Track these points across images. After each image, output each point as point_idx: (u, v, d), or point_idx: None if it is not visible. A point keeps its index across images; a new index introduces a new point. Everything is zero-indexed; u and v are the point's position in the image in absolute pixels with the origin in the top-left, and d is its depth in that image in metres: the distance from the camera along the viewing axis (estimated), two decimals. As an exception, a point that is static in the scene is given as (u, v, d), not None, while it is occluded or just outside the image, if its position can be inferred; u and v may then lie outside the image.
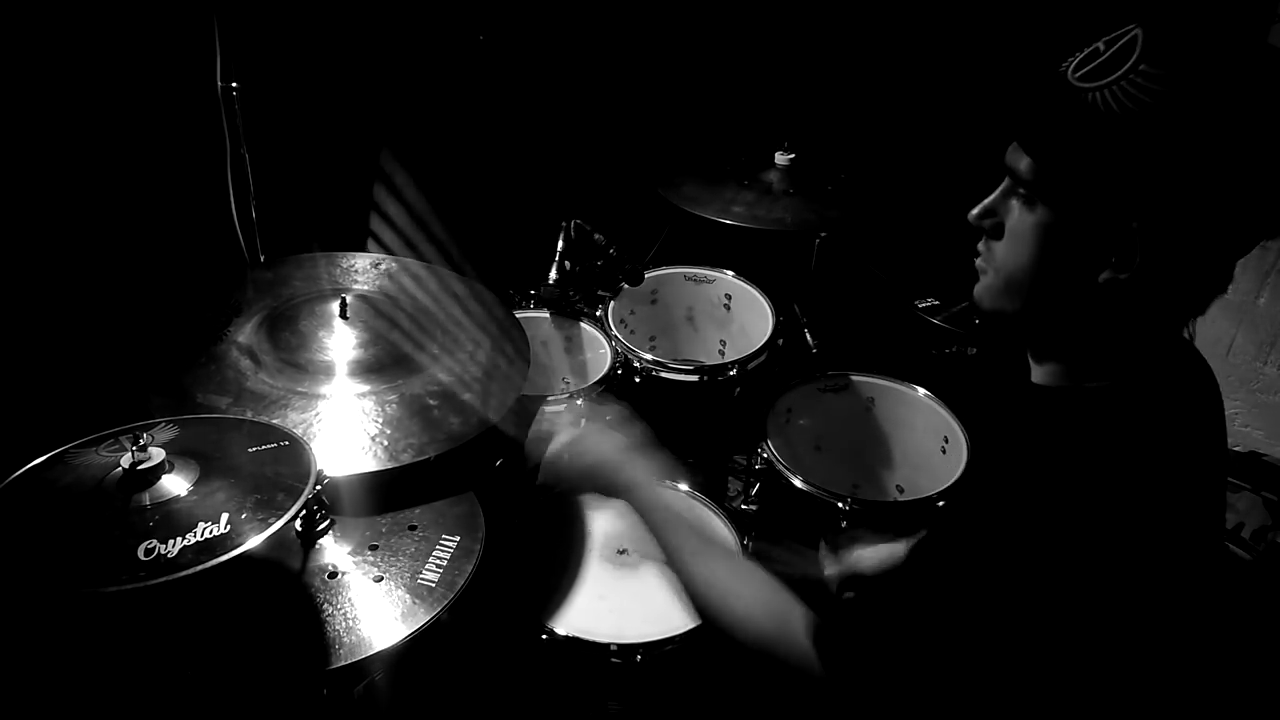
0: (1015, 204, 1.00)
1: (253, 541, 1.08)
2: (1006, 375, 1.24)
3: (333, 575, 1.38)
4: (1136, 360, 1.00)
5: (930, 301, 2.60)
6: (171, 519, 1.11)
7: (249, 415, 1.43)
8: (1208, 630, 1.07)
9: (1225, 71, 0.87)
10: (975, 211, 1.04)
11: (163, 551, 1.06)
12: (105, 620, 1.29)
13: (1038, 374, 1.09)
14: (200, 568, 1.04)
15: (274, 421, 1.38)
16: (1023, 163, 0.97)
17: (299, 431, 1.35)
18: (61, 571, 1.05)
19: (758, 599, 1.14)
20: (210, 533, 1.09)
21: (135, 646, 1.28)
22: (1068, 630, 0.95)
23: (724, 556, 1.28)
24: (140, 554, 1.05)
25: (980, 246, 1.06)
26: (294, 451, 1.25)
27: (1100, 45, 0.92)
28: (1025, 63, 1.04)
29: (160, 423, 1.26)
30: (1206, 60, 0.87)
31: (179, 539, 1.08)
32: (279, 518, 1.12)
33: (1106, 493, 0.92)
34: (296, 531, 1.44)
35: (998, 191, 1.03)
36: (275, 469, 1.22)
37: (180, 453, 1.20)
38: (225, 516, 1.12)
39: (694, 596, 1.20)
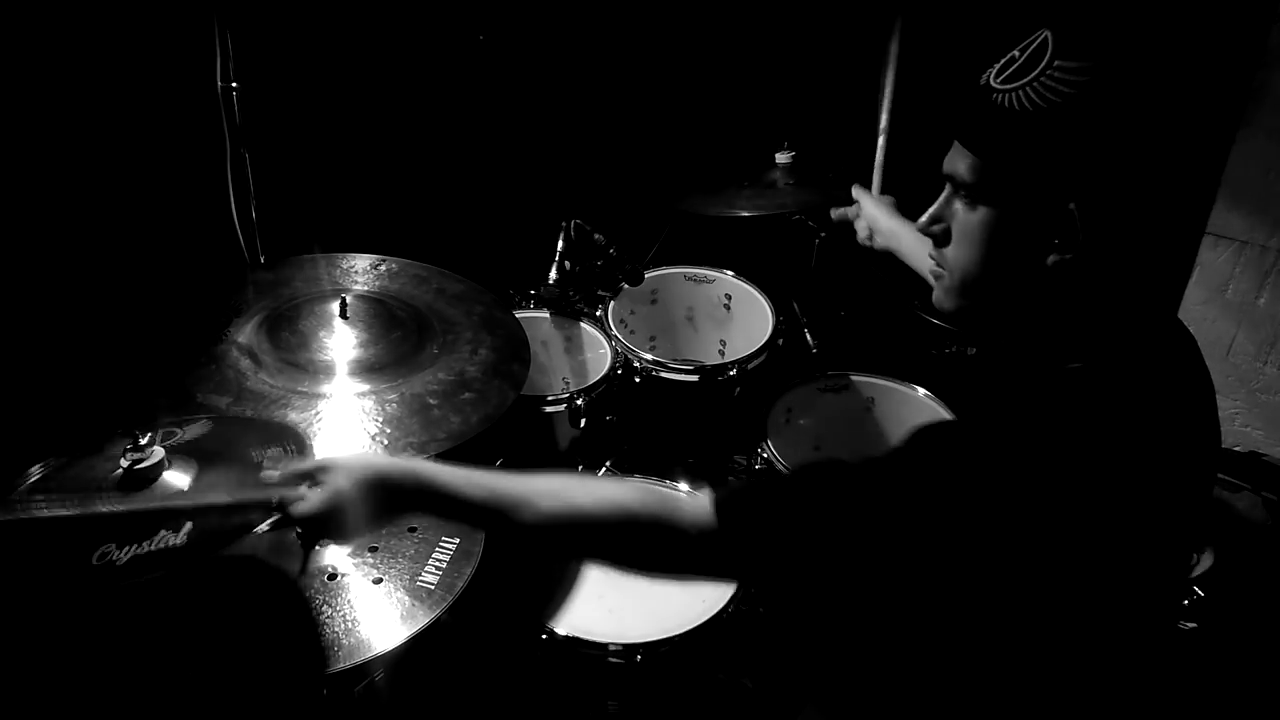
0: (959, 207, 1.06)
1: (199, 558, 1.04)
2: (1006, 373, 1.26)
3: (332, 577, 1.39)
4: (1112, 340, 1.04)
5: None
6: (139, 523, 1.08)
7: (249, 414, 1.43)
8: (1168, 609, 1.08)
9: (1129, 55, 0.95)
10: (923, 219, 1.11)
11: (114, 558, 1.02)
12: (86, 623, 1.29)
13: (1023, 362, 1.14)
14: (134, 581, 1.00)
15: (283, 422, 1.38)
16: (961, 166, 1.04)
17: (298, 430, 1.35)
18: (21, 573, 1.03)
19: (632, 495, 1.05)
20: (166, 543, 1.05)
21: (135, 647, 1.28)
22: (990, 577, 0.99)
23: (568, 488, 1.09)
24: (94, 559, 1.02)
25: (932, 253, 1.13)
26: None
27: (1015, 52, 1.01)
28: (955, 76, 1.11)
29: (197, 419, 1.25)
30: (1111, 48, 0.95)
31: (133, 546, 1.04)
32: (245, 531, 1.08)
33: (1072, 458, 0.95)
34: (296, 533, 1.44)
35: (940, 199, 1.09)
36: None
37: (185, 452, 1.20)
38: (189, 526, 1.07)
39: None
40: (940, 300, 1.14)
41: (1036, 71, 0.96)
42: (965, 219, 1.06)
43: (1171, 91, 0.96)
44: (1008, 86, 0.99)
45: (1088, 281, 1.02)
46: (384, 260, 1.91)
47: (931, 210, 1.10)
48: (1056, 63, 0.95)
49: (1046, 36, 0.98)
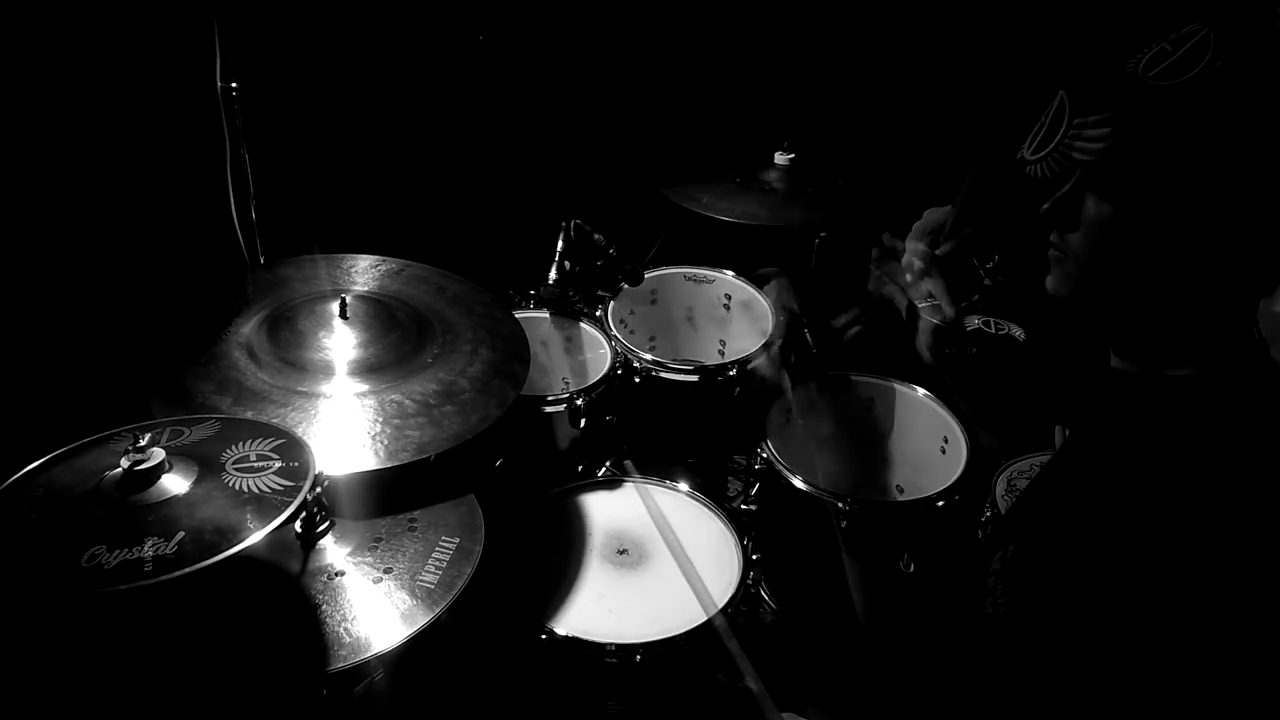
0: (1090, 195, 1.03)
1: (175, 573, 1.03)
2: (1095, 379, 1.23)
3: (337, 575, 1.39)
4: (1219, 349, 1.02)
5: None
6: (134, 525, 1.08)
7: (249, 415, 1.43)
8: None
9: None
10: (1049, 204, 1.07)
11: (103, 561, 1.02)
12: (92, 620, 1.29)
13: (1117, 360, 1.11)
14: (114, 589, 0.99)
15: (273, 422, 1.38)
16: (1098, 152, 1.00)
17: (298, 430, 1.35)
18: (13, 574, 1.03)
19: None
20: (155, 551, 1.05)
21: (135, 647, 1.28)
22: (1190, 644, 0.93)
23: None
24: (83, 560, 1.02)
25: (1054, 238, 1.09)
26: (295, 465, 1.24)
27: (1167, 45, 0.97)
28: (1073, 54, 1.08)
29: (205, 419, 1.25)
30: (1271, 55, 0.93)
31: (123, 551, 1.04)
32: (228, 548, 1.07)
33: (1222, 488, 0.93)
34: (296, 533, 1.44)
35: (1070, 183, 1.05)
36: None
37: (185, 455, 1.20)
38: (181, 535, 1.07)
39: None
40: (1058, 288, 1.10)
41: (1198, 69, 0.93)
42: (1097, 209, 1.02)
43: None
44: (1164, 82, 0.95)
45: (1213, 288, 1.00)
46: (390, 262, 1.90)
47: (1059, 194, 1.06)
48: (1219, 63, 0.93)
49: (1208, 34, 0.95)
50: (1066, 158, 0.95)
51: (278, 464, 1.22)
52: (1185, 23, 0.97)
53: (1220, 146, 0.94)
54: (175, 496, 1.14)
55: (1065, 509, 1.05)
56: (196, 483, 1.17)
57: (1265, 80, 0.92)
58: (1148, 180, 0.98)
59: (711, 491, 1.98)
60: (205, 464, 1.20)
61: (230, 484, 1.18)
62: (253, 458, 1.23)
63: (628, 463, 2.03)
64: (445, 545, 1.46)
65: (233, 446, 1.24)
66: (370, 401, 1.51)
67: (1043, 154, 0.98)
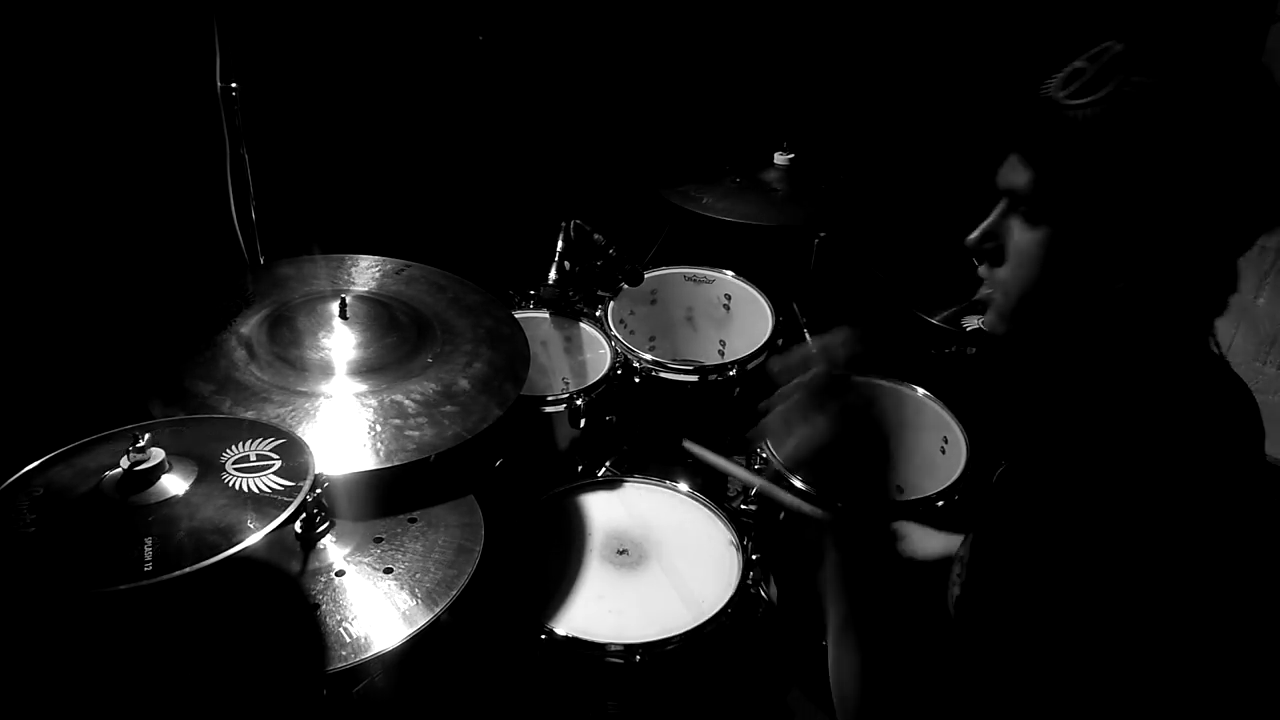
0: (1015, 223, 1.00)
1: (175, 572, 1.04)
2: (1009, 376, 1.23)
3: (337, 575, 1.39)
4: (1162, 371, 1.00)
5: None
6: (134, 525, 1.10)
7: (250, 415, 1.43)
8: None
9: (1209, 76, 0.90)
10: (974, 235, 1.04)
11: (104, 560, 1.05)
12: (91, 620, 1.29)
13: (1061, 388, 1.08)
14: (114, 589, 1.01)
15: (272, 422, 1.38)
16: (1022, 179, 0.97)
17: (298, 430, 1.35)
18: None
19: None
20: (154, 549, 1.06)
21: (135, 647, 1.28)
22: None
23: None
24: (84, 559, 1.03)
25: (983, 272, 1.06)
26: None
27: (1080, 64, 0.95)
28: (1016, 82, 1.04)
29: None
30: (1190, 67, 0.90)
31: (120, 551, 1.05)
32: (228, 548, 1.08)
33: (1141, 504, 0.92)
34: (296, 533, 1.44)
35: (995, 214, 1.02)
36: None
37: (184, 455, 1.20)
38: (150, 540, 1.08)
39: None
40: (993, 324, 1.07)
41: (1110, 87, 0.91)
42: (1022, 237, 0.99)
43: (1240, 116, 0.90)
44: (1077, 101, 0.93)
45: (1150, 310, 0.97)
46: (408, 266, 1.90)
47: (984, 225, 1.03)
48: (1134, 78, 0.90)
49: (1119, 50, 0.93)
50: (1112, 109, 0.89)
51: (278, 464, 1.22)
52: (1102, 41, 0.95)
53: (1139, 163, 0.90)
54: (175, 496, 1.15)
55: (1011, 497, 1.04)
56: (196, 483, 1.17)
57: (1182, 94, 0.90)
58: (1071, 202, 0.95)
59: (711, 491, 1.98)
60: (205, 464, 1.20)
61: (230, 484, 1.18)
62: (253, 457, 1.23)
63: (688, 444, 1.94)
64: (445, 545, 1.46)
65: (233, 446, 1.24)
66: (370, 401, 1.51)
67: (1084, 101, 0.91)
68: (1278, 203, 0.93)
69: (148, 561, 1.04)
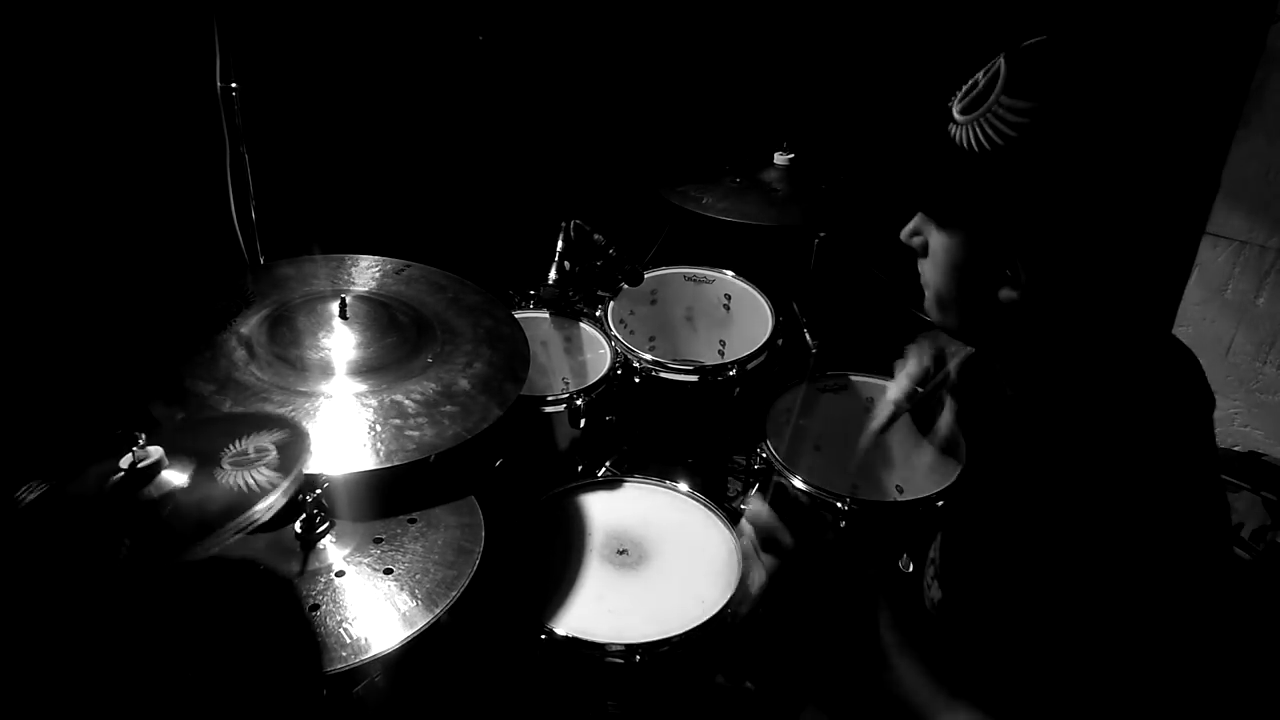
0: (931, 225, 1.09)
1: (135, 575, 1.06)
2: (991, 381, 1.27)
3: (337, 575, 1.39)
4: (1094, 361, 1.05)
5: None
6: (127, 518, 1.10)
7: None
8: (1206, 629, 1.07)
9: (1077, 96, 0.94)
10: (904, 231, 1.13)
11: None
12: (92, 620, 1.28)
13: (1008, 382, 1.16)
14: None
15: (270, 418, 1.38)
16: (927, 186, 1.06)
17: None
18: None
19: None
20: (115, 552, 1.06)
21: (135, 646, 1.28)
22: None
23: None
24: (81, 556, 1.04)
25: (919, 264, 1.15)
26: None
27: (979, 76, 1.00)
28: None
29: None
30: (1058, 88, 0.94)
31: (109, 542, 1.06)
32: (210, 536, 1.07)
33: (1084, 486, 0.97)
34: (296, 534, 1.44)
35: (920, 214, 1.11)
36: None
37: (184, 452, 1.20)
38: (127, 542, 1.07)
39: None
40: (928, 310, 1.17)
41: (986, 105, 0.97)
42: (934, 239, 1.08)
43: (1131, 132, 0.95)
44: (963, 118, 1.00)
45: (1039, 318, 1.04)
46: (405, 265, 1.89)
47: (912, 224, 1.13)
48: (1003, 99, 0.95)
49: (1000, 66, 0.97)
50: (985, 134, 0.96)
51: (271, 456, 1.21)
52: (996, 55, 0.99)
53: (1012, 178, 0.96)
54: (172, 490, 1.14)
55: (978, 494, 1.08)
56: (193, 478, 1.17)
57: (1053, 115, 0.94)
58: (960, 209, 1.02)
59: (711, 491, 1.98)
60: (204, 460, 1.20)
61: (223, 479, 1.17)
62: (250, 452, 1.22)
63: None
64: (444, 545, 1.46)
65: (235, 442, 1.24)
66: (370, 401, 1.51)
67: (968, 118, 0.98)
68: (1139, 205, 0.98)
69: (125, 546, 1.05)
